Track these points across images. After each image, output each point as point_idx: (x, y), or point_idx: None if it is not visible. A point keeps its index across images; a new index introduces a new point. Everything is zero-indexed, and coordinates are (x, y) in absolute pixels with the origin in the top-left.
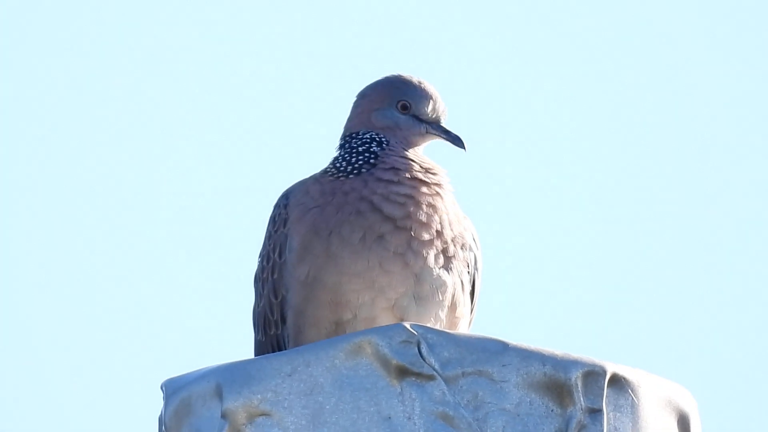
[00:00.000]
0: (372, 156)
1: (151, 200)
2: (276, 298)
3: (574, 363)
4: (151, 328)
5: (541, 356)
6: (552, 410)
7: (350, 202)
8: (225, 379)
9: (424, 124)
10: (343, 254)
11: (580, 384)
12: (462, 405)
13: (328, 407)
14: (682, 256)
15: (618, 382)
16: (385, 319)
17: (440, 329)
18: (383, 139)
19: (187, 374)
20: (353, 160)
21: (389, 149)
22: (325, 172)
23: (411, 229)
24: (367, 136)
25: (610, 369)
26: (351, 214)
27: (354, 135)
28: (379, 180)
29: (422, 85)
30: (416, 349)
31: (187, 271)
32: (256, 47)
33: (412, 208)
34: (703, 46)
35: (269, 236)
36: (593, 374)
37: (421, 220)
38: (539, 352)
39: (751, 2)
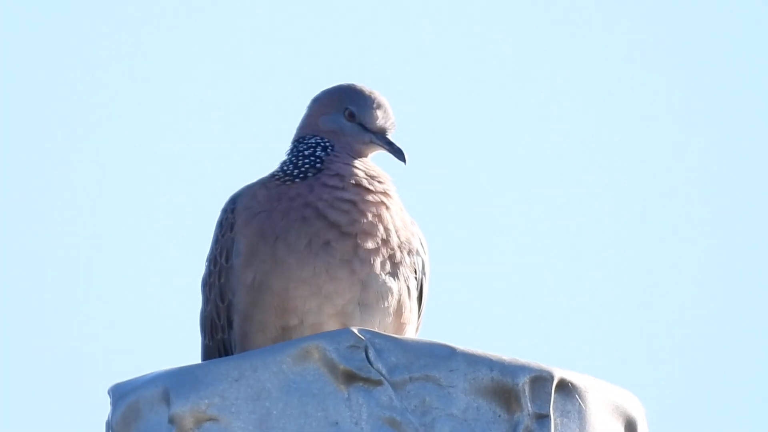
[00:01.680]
0: (318, 161)
1: (101, 199)
2: (223, 302)
3: (522, 368)
4: (98, 331)
5: (488, 361)
6: (499, 416)
7: (296, 207)
8: (172, 383)
9: (369, 134)
10: (289, 260)
11: (527, 389)
12: (409, 410)
13: (275, 412)
14: (629, 260)
15: (565, 388)
16: (332, 326)
17: (388, 334)
18: (328, 144)
19: (135, 379)
20: (300, 163)
21: (334, 155)
22: (272, 176)
23: (356, 235)
24: (313, 140)
25: (558, 374)
26: (297, 220)
27: (301, 139)
28: (325, 186)
29: (372, 95)
30: (364, 354)
31: (134, 275)
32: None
33: (357, 215)
34: (693, 47)
35: (216, 240)
36: (541, 379)
37: (366, 227)
38: (487, 357)
39: (752, 2)
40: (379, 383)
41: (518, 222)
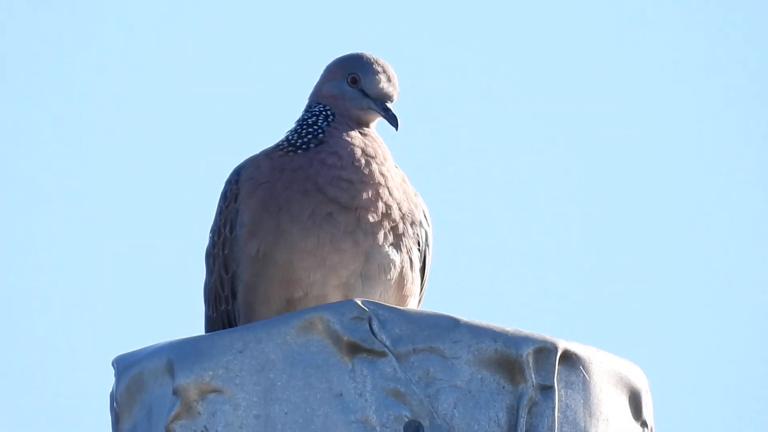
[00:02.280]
0: (319, 130)
1: (103, 173)
2: (227, 273)
3: (526, 339)
4: (101, 303)
5: (492, 333)
6: (503, 387)
7: (297, 180)
8: (176, 355)
9: (368, 100)
10: (292, 231)
11: (531, 360)
12: (413, 382)
13: (279, 384)
14: (634, 233)
15: (569, 359)
16: (336, 297)
17: (392, 306)
18: (329, 113)
19: (139, 350)
20: (303, 133)
21: (335, 125)
22: (277, 146)
23: (357, 209)
24: (317, 109)
25: (562, 345)
26: (299, 192)
27: (308, 108)
28: (323, 164)
29: (378, 62)
30: (367, 325)
31: (137, 247)
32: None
33: (355, 192)
34: (691, 48)
35: (220, 211)
36: (545, 351)
37: (365, 203)
38: (490, 328)
39: (752, 2)
40: (383, 354)
41: (522, 192)
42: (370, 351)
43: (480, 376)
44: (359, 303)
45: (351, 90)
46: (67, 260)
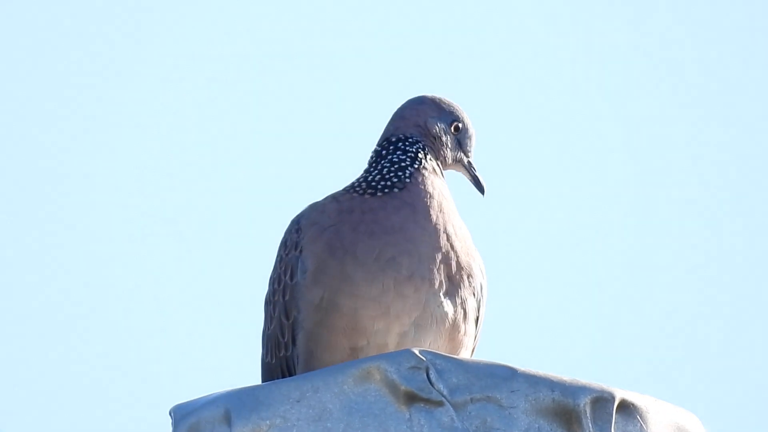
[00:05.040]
0: (406, 177)
1: (161, 217)
2: (287, 319)
3: (583, 389)
4: (160, 353)
5: (549, 382)
6: None
7: (366, 221)
8: (233, 404)
9: (462, 154)
10: (357, 275)
11: (588, 410)
12: (470, 431)
13: None
14: (690, 285)
15: (626, 408)
16: (393, 346)
17: (449, 355)
18: (424, 153)
19: (196, 399)
20: (389, 175)
21: (422, 169)
22: (351, 187)
23: (419, 257)
24: (413, 148)
25: (619, 395)
26: (365, 233)
27: (401, 138)
28: (397, 209)
29: (470, 122)
30: (425, 374)
31: (197, 297)
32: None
33: (422, 239)
34: (702, 47)
35: (280, 259)
36: (602, 400)
37: (429, 251)
38: (548, 378)
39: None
40: (440, 404)
41: (577, 242)
42: (427, 400)
43: (537, 425)
44: (416, 352)
45: (453, 137)
46: (126, 309)
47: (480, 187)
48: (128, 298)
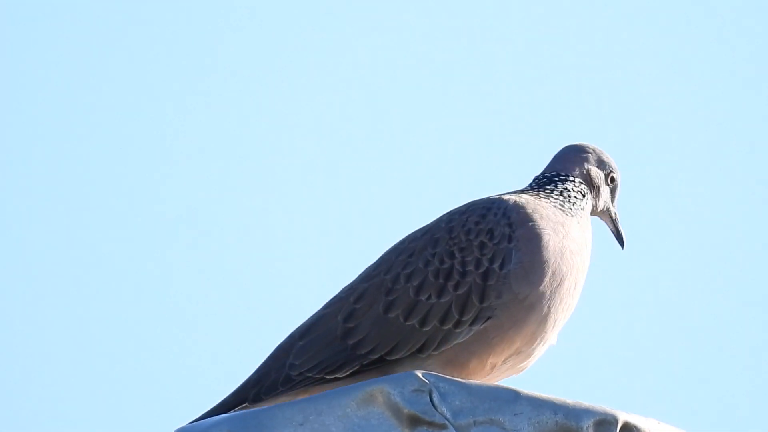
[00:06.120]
0: (580, 210)
1: (172, 233)
2: (481, 302)
3: (586, 412)
4: (163, 375)
5: (552, 405)
6: None
7: (568, 238)
8: (237, 427)
9: (611, 204)
10: (555, 288)
11: None
12: None
13: None
14: (692, 303)
15: (630, 431)
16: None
17: (452, 378)
18: (585, 196)
19: (199, 422)
20: (572, 200)
21: (584, 208)
22: (547, 196)
23: (578, 289)
24: (579, 188)
25: (622, 418)
26: (567, 250)
27: (568, 177)
28: (578, 236)
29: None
30: (428, 397)
31: (202, 318)
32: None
33: (583, 269)
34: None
35: (482, 245)
36: (605, 423)
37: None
38: (551, 400)
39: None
40: (443, 427)
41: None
42: (431, 423)
43: None
44: (419, 375)
45: (607, 188)
46: (130, 330)
47: (621, 240)
48: (133, 317)
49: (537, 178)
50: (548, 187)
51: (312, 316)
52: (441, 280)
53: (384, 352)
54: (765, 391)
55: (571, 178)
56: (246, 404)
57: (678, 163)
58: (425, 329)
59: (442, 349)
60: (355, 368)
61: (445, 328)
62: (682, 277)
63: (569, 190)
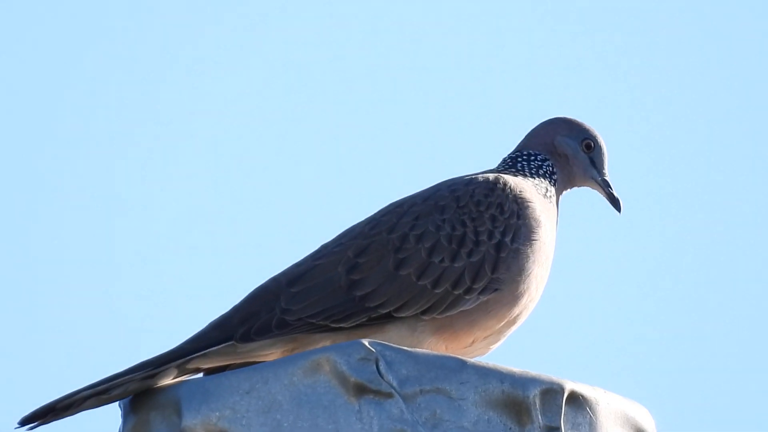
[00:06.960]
0: (550, 193)
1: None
2: (492, 273)
3: (532, 381)
4: (113, 341)
5: (499, 374)
6: (510, 428)
7: (550, 219)
8: (184, 396)
9: (595, 171)
10: (541, 262)
11: (538, 402)
12: (420, 423)
13: (286, 425)
14: (640, 271)
15: (576, 400)
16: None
17: (398, 346)
18: (554, 172)
19: (146, 391)
20: (548, 181)
21: (556, 188)
22: (531, 176)
23: (548, 269)
24: (546, 164)
25: (569, 387)
26: (551, 230)
27: (532, 155)
28: (554, 216)
29: (602, 140)
30: (374, 366)
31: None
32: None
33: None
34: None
35: (493, 218)
36: (551, 392)
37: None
38: (497, 369)
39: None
40: (389, 395)
41: None
42: (377, 392)
43: (487, 417)
44: (366, 344)
45: (584, 155)
46: (86, 296)
47: (616, 206)
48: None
49: (511, 157)
50: (521, 167)
51: (298, 266)
52: (454, 246)
53: (394, 307)
54: (704, 353)
55: (533, 155)
56: (233, 341)
57: (656, 156)
58: (437, 291)
59: (447, 314)
60: (363, 320)
61: (456, 293)
62: (633, 242)
63: (534, 168)
